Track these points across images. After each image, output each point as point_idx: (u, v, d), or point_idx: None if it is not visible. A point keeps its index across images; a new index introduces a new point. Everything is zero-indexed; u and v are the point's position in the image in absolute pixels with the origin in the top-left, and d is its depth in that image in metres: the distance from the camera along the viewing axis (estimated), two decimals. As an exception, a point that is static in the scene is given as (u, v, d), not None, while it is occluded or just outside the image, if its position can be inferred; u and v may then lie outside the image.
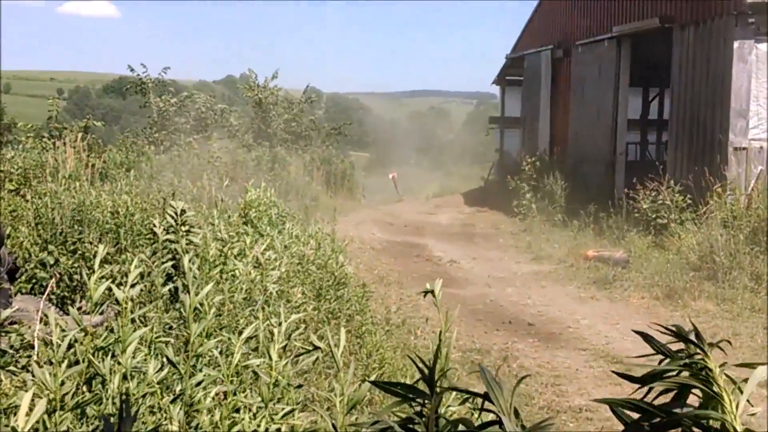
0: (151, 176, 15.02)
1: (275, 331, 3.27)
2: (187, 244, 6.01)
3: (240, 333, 4.22)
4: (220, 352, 4.31)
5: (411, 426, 1.70)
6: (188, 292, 3.45)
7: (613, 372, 2.00)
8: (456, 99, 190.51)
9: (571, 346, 9.76)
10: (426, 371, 1.74)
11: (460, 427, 1.68)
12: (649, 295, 12.12)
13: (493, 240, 18.88)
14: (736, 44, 15.55)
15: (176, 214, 6.17)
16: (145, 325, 4.91)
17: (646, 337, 1.69)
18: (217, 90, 48.81)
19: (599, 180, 20.54)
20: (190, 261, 3.90)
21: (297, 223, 11.49)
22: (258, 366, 3.58)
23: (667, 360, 1.65)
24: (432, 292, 2.53)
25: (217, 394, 3.45)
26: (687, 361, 1.61)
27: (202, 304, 4.12)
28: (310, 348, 3.29)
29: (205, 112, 26.43)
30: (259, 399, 3.33)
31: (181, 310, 4.98)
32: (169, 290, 5.79)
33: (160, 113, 25.67)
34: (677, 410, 1.54)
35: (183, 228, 6.16)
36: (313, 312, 7.24)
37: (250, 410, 3.39)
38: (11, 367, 4.01)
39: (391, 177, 36.78)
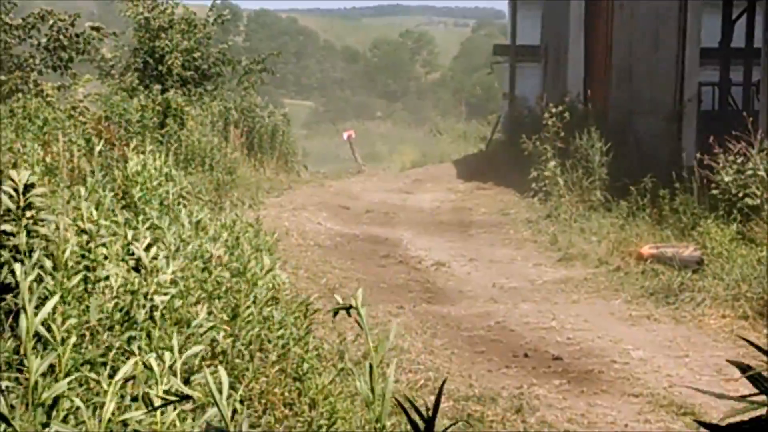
0: (-20, 137, 14.83)
1: (156, 368, 3.22)
2: (30, 238, 5.92)
3: (115, 372, 4.16)
4: (85, 401, 4.25)
5: None
6: (24, 310, 3.39)
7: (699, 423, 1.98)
8: (445, 19, 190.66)
9: (618, 390, 9.78)
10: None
11: None
12: (734, 313, 12.17)
13: (500, 232, 18.90)
14: None
15: (17, 192, 6.07)
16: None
17: (744, 370, 1.66)
18: (81, 6, 48.35)
19: (658, 140, 20.62)
20: (37, 262, 3.84)
21: (203, 207, 11.41)
22: (139, 422, 3.54)
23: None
24: (350, 308, 2.51)
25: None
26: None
27: (50, 330, 4.06)
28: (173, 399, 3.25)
29: (63, 39, 26.14)
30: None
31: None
32: (2, 309, 5.72)
33: (-6, 41, 25.34)
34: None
35: (27, 214, 6.07)
36: (228, 341, 7.18)
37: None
38: None
39: (346, 137, 36.77)
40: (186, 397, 3.07)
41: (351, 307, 2.44)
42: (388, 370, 2.68)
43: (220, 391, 2.72)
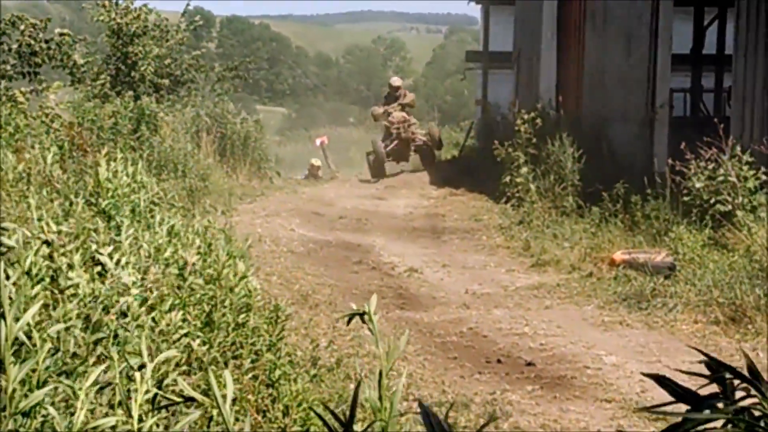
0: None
1: (137, 376, 3.22)
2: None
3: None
4: (59, 409, 4.25)
5: None
6: (3, 318, 3.38)
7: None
8: (417, 25, 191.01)
9: (590, 395, 9.80)
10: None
11: None
12: (705, 318, 12.22)
13: (472, 238, 18.89)
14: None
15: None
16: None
17: (661, 380, 1.69)
18: (53, 11, 48.21)
19: (630, 147, 20.66)
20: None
21: (175, 213, 11.37)
22: (114, 428, 3.53)
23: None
24: (363, 314, 2.54)
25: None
26: (737, 407, 1.61)
27: (30, 337, 4.05)
28: (178, 400, 3.24)
29: (35, 45, 26.02)
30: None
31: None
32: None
33: (-36, 48, 25.20)
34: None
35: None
36: (201, 348, 7.16)
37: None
38: None
39: (319, 143, 36.79)
40: (189, 399, 3.06)
41: (364, 313, 2.49)
42: (396, 380, 2.71)
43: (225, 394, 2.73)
